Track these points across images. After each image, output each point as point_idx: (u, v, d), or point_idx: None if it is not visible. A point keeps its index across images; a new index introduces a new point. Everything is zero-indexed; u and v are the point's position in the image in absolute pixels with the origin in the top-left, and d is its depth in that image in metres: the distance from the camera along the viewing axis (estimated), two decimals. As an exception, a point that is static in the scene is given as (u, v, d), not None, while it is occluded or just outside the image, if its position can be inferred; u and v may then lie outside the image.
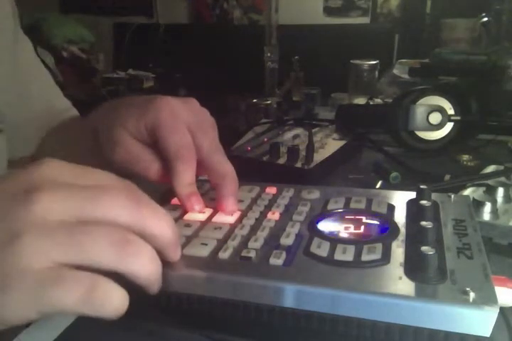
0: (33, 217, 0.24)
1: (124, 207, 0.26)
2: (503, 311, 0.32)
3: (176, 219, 0.38)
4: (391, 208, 0.39)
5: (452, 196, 0.41)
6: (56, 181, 0.26)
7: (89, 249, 0.25)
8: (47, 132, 0.58)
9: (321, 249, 0.32)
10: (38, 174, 0.26)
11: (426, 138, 0.73)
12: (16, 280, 0.23)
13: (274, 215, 0.38)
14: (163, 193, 0.43)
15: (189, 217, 0.39)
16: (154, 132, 0.38)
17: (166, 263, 0.33)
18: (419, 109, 0.71)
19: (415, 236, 0.33)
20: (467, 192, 0.50)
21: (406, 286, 0.28)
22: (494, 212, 0.45)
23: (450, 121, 0.71)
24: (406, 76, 1.09)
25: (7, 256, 0.23)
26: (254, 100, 1.06)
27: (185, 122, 0.39)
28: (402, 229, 0.35)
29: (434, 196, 0.40)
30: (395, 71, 1.14)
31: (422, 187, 0.39)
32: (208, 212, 0.39)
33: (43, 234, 0.24)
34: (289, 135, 0.73)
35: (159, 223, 0.28)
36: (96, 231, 0.25)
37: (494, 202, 0.46)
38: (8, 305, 0.24)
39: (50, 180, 0.26)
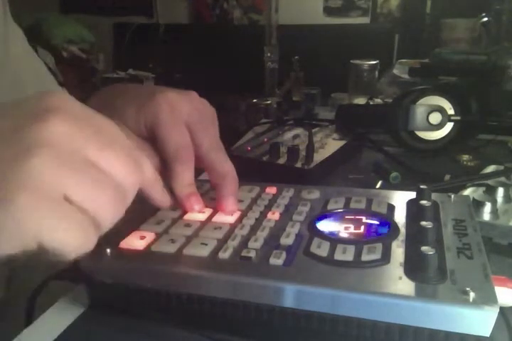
0: (47, 134, 0.23)
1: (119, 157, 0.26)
2: (503, 311, 0.32)
3: (176, 220, 0.38)
4: (391, 208, 0.39)
5: (452, 196, 0.41)
6: (70, 109, 0.25)
7: (92, 193, 0.24)
8: None
9: (321, 249, 0.32)
10: (52, 100, 0.25)
11: (426, 138, 0.73)
12: (20, 198, 0.22)
13: (274, 215, 0.38)
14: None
15: (189, 216, 0.39)
16: (153, 131, 0.38)
17: (167, 263, 0.33)
18: (419, 109, 0.71)
19: (415, 236, 0.33)
20: (467, 192, 0.50)
21: (406, 286, 0.28)
22: (494, 212, 0.45)
23: (450, 121, 0.71)
24: (406, 76, 1.09)
25: (15, 171, 0.22)
26: (254, 100, 1.06)
27: (185, 119, 0.38)
28: (402, 229, 0.35)
29: (434, 196, 0.40)
30: (395, 71, 1.14)
31: (422, 187, 0.39)
32: (208, 212, 0.39)
33: (54, 158, 0.23)
34: (289, 135, 0.73)
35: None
36: (104, 178, 0.25)
37: (494, 202, 0.46)
38: (5, 224, 0.22)
39: (64, 106, 0.25)
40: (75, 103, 0.26)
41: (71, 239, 0.23)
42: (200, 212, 0.38)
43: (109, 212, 0.25)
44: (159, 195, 0.33)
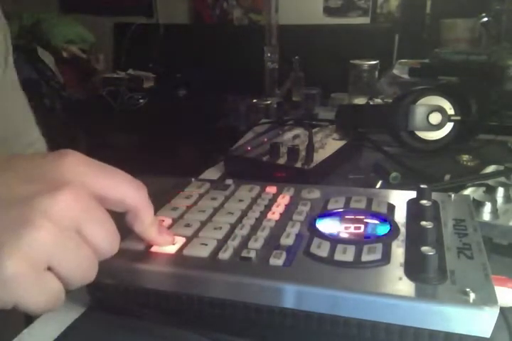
0: (55, 209, 0.25)
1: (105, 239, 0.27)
2: (503, 311, 0.32)
3: (176, 220, 0.38)
4: (391, 208, 0.39)
5: (452, 195, 0.41)
6: (80, 182, 0.27)
7: (75, 266, 0.26)
8: None
9: (321, 249, 0.32)
10: (65, 169, 0.27)
11: (426, 138, 0.72)
12: (9, 264, 0.23)
13: (274, 215, 0.38)
14: (163, 193, 0.43)
15: (190, 217, 0.39)
16: None
17: (167, 264, 0.33)
18: (419, 109, 0.71)
19: (415, 236, 0.33)
20: (467, 192, 0.50)
21: (406, 287, 0.28)
22: (494, 212, 0.45)
23: (450, 121, 0.71)
24: (406, 76, 1.09)
25: (14, 236, 0.24)
26: (254, 100, 1.06)
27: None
28: (402, 229, 0.35)
29: (434, 195, 0.40)
30: (395, 71, 1.14)
31: (422, 186, 0.38)
32: (208, 212, 0.39)
33: (52, 233, 0.24)
34: (289, 135, 0.73)
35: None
36: (88, 252, 0.26)
37: (494, 202, 0.46)
38: None
39: (75, 180, 0.26)
40: (86, 175, 0.27)
41: (44, 305, 0.25)
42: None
43: (84, 279, 0.27)
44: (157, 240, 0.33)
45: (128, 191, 0.29)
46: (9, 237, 0.24)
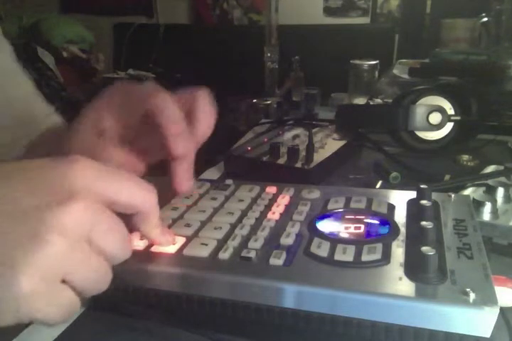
0: (65, 221, 0.24)
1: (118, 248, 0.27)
2: (503, 311, 0.32)
3: (176, 220, 0.38)
4: (391, 208, 0.39)
5: (452, 195, 0.41)
6: (90, 191, 0.26)
7: (89, 277, 0.26)
8: (27, 147, 0.53)
9: (321, 249, 0.32)
10: (74, 178, 0.26)
11: (426, 138, 0.72)
12: (22, 280, 0.23)
13: (274, 215, 0.38)
14: (163, 193, 0.43)
15: (190, 216, 0.39)
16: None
17: (167, 264, 0.33)
18: (419, 109, 0.71)
19: (415, 236, 0.33)
20: (467, 192, 0.50)
21: (406, 287, 0.28)
22: (494, 212, 0.45)
23: (450, 121, 0.71)
24: (406, 76, 1.09)
25: (25, 251, 0.24)
26: (254, 100, 1.06)
27: None
28: (403, 229, 0.35)
29: (434, 196, 0.40)
30: (395, 71, 1.13)
31: (422, 186, 0.39)
32: (208, 212, 0.39)
33: (65, 247, 0.24)
34: (289, 135, 0.73)
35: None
36: (101, 262, 0.27)
37: (494, 202, 0.46)
38: (3, 299, 0.24)
39: (85, 188, 0.26)
40: (97, 182, 0.27)
41: (60, 317, 0.26)
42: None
43: (99, 287, 0.27)
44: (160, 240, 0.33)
45: (138, 195, 0.28)
46: (21, 254, 0.23)
